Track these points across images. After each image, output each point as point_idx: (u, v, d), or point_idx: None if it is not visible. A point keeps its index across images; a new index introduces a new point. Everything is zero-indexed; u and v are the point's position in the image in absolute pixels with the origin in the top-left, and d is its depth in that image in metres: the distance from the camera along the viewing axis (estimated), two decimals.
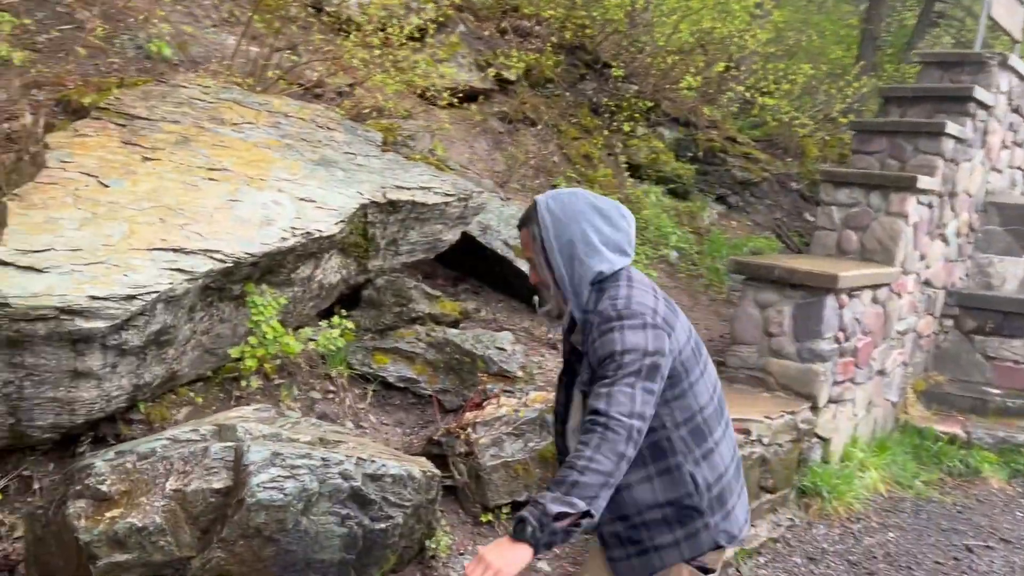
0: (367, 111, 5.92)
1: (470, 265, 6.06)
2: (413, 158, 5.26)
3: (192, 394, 3.84)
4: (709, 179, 9.80)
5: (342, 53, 6.32)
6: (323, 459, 2.99)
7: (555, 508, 1.82)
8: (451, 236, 4.94)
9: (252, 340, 3.81)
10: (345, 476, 3.02)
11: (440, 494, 3.50)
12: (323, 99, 6.26)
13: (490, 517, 3.86)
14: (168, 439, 2.94)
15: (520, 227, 2.38)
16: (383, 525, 3.13)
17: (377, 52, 6.40)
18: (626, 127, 8.73)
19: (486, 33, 9.11)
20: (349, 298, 4.70)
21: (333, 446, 3.17)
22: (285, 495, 2.87)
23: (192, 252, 3.46)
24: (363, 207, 4.25)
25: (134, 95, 4.14)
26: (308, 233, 3.88)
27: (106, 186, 3.51)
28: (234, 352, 3.79)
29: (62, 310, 3.05)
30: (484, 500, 3.86)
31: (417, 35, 7.22)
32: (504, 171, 7.78)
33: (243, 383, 3.88)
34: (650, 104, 9.02)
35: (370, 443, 3.39)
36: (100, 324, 3.13)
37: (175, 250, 3.42)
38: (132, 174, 3.61)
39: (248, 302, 3.80)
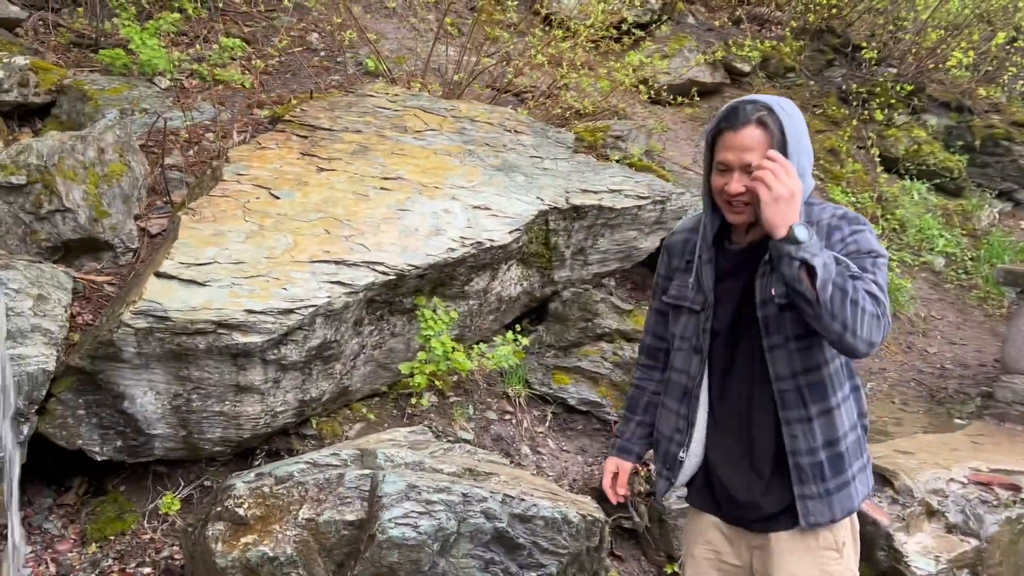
0: (568, 113, 5.58)
1: None
2: (614, 159, 4.85)
3: (365, 410, 3.71)
4: (989, 172, 8.37)
5: (550, 55, 6.05)
6: (464, 495, 2.69)
7: (817, 267, 1.81)
8: (648, 243, 4.47)
9: (421, 356, 3.61)
10: (488, 515, 2.69)
11: (610, 540, 3.07)
12: (527, 103, 6.04)
13: (676, 568, 3.35)
14: (307, 463, 2.79)
15: (742, 124, 1.96)
16: (534, 574, 2.76)
17: (581, 52, 6.06)
18: (878, 115, 7.67)
19: (717, 24, 8.46)
20: (537, 311, 4.39)
21: (483, 479, 2.87)
22: (419, 533, 2.60)
23: (355, 264, 3.32)
24: (543, 214, 3.92)
25: (319, 106, 4.13)
26: (479, 243, 3.62)
27: (277, 198, 3.48)
28: (404, 368, 3.61)
29: (219, 324, 3.02)
30: (669, 548, 3.36)
31: (637, 32, 6.79)
32: None
33: (414, 400, 3.69)
34: (910, 88, 7.86)
35: (527, 477, 3.05)
36: (256, 339, 3.07)
37: (337, 262, 3.30)
38: (304, 185, 3.56)
39: (418, 315, 3.61)
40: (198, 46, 6.19)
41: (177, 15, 5.93)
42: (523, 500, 2.77)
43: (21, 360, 3.10)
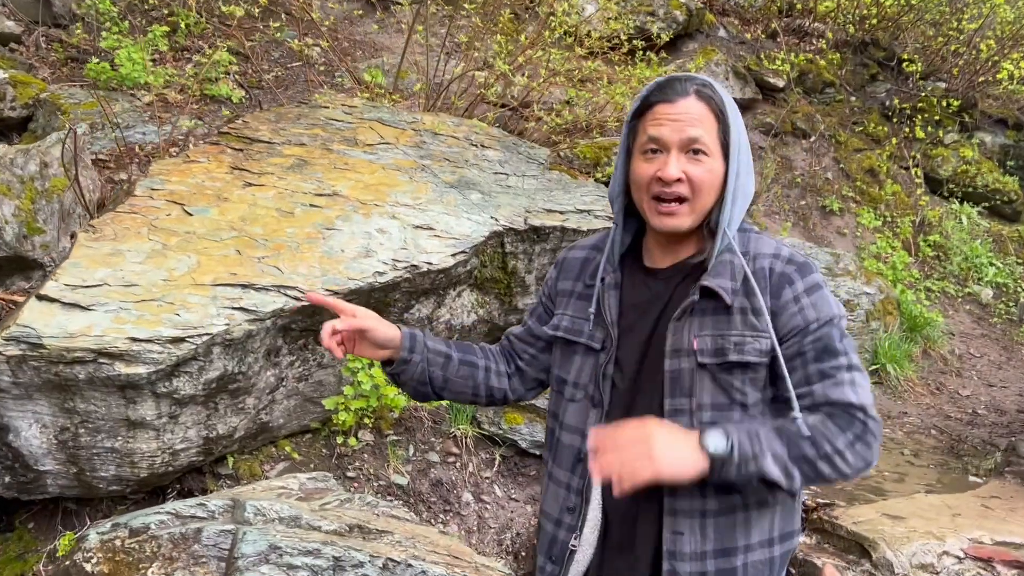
0: (558, 129, 5.20)
1: None
2: (595, 177, 4.45)
3: (290, 448, 3.38)
4: None
5: (555, 69, 5.69)
6: (336, 558, 2.32)
7: (770, 471, 1.44)
8: None
9: (348, 390, 3.27)
10: None
11: None
12: (528, 117, 5.68)
13: None
14: (169, 513, 2.46)
15: (680, 95, 1.54)
16: None
17: (591, 65, 5.68)
18: (919, 133, 7.06)
19: (749, 37, 7.97)
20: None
21: (372, 537, 2.49)
22: None
23: (263, 288, 3.00)
24: (496, 235, 3.54)
25: (265, 118, 3.85)
26: (414, 267, 3.26)
27: (190, 214, 3.19)
28: (328, 404, 3.27)
29: (99, 353, 2.73)
30: None
31: (660, 39, 6.38)
32: (755, 192, 6.62)
33: (340, 439, 3.35)
34: (958, 104, 7.23)
35: (431, 535, 2.65)
36: (141, 369, 2.76)
37: (244, 286, 2.99)
38: (224, 201, 3.27)
39: None
40: (194, 60, 6.05)
41: (166, 28, 5.78)
42: (410, 566, 2.38)
43: None
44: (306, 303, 3.04)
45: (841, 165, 7.21)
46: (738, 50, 7.86)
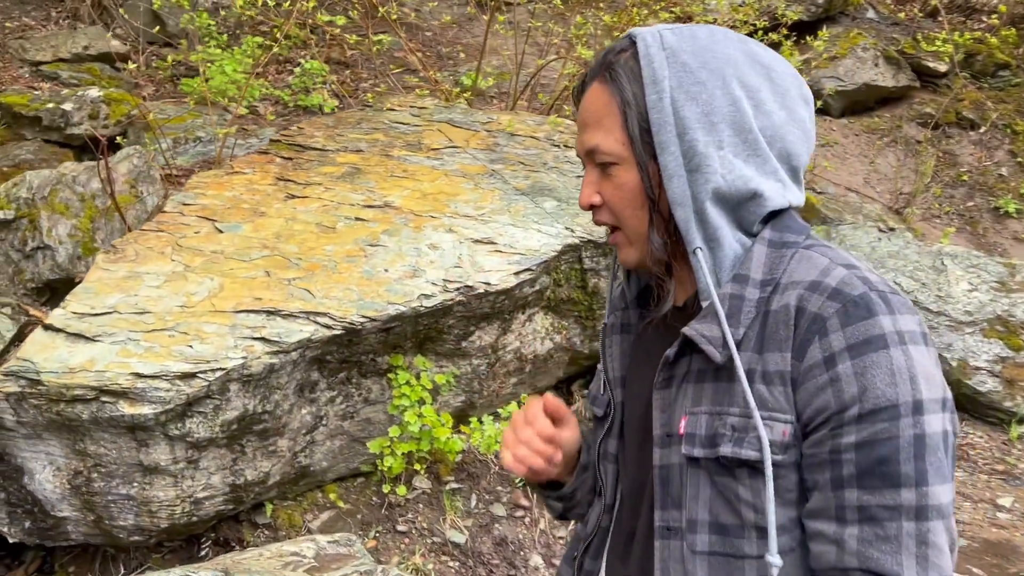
0: None
1: None
2: None
3: (336, 495, 2.98)
4: None
5: None
6: None
7: None
8: None
9: (393, 431, 2.82)
10: None
11: None
12: None
13: None
14: None
15: (587, 84, 1.08)
16: None
17: None
18: None
19: (903, 16, 7.01)
20: (593, 371, 3.45)
21: None
22: None
23: (290, 315, 2.61)
24: (572, 249, 3.01)
25: (323, 123, 3.49)
26: (468, 287, 2.78)
27: (220, 231, 2.85)
28: (372, 447, 2.84)
29: (101, 390, 2.41)
30: None
31: (787, 29, 5.61)
32: (910, 192, 5.71)
33: (387, 488, 2.90)
34: None
35: None
36: (147, 409, 2.42)
37: (269, 312, 2.61)
38: (260, 216, 2.91)
39: (391, 379, 2.83)
40: (295, 72, 5.86)
41: (259, 39, 5.61)
42: None
43: None
44: (338, 332, 2.62)
45: (1019, 159, 6.15)
46: (890, 32, 6.93)
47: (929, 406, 0.90)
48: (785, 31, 5.17)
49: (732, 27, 4.99)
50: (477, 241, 2.92)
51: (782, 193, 1.02)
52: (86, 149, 5.00)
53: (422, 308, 2.70)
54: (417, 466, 2.88)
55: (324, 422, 2.84)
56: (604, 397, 1.23)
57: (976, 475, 3.59)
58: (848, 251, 1.07)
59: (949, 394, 0.94)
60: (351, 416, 2.91)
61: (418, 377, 2.84)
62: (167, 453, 2.55)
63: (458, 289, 2.77)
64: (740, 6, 5.98)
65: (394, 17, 4.35)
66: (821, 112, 6.40)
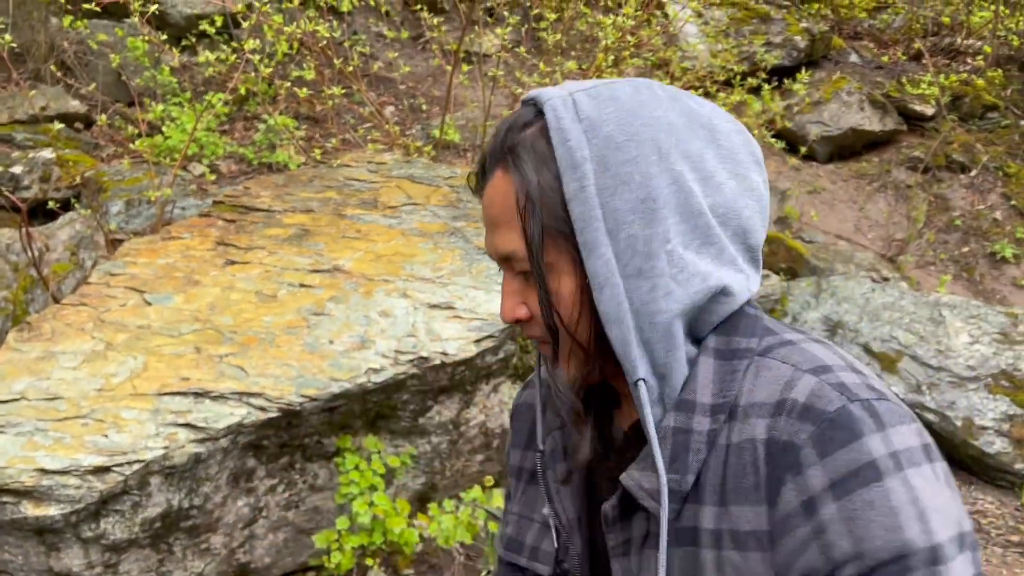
0: None
1: None
2: None
3: None
4: None
5: None
6: None
7: None
8: None
9: (340, 523, 2.52)
10: None
11: None
12: None
13: None
14: None
15: (489, 172, 0.84)
16: None
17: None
18: None
19: (886, 60, 6.87)
20: None
21: None
22: None
23: (220, 397, 2.33)
24: None
25: (272, 182, 3.27)
26: (423, 358, 2.51)
27: (149, 304, 2.58)
28: (318, 541, 2.54)
29: (2, 489, 2.12)
30: None
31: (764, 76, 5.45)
32: (903, 239, 5.50)
33: None
34: None
35: None
36: (54, 511, 2.13)
37: (197, 394, 2.33)
38: (194, 285, 2.65)
39: (337, 464, 2.55)
40: (260, 128, 5.67)
41: (222, 94, 5.42)
42: None
43: None
44: (274, 414, 2.34)
45: (1012, 202, 5.97)
46: (874, 76, 6.80)
47: (948, 550, 0.68)
48: (764, 75, 5.00)
49: (703, 77, 4.81)
50: (434, 306, 2.66)
51: (745, 285, 0.81)
52: (38, 214, 4.77)
53: (370, 384, 2.43)
54: (369, 560, 2.57)
55: (264, 514, 2.55)
56: (547, 550, 0.95)
57: (990, 547, 3.29)
58: (819, 341, 0.81)
59: (967, 524, 0.72)
60: (295, 506, 2.62)
61: (369, 460, 2.56)
62: (81, 558, 2.25)
63: (411, 361, 2.50)
64: (719, 52, 5.84)
65: (349, 69, 4.15)
66: (807, 158, 6.23)
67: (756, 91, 5.25)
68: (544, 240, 0.78)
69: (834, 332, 3.98)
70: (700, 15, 6.44)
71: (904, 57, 6.91)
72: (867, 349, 3.90)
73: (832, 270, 4.66)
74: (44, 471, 2.13)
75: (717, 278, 0.78)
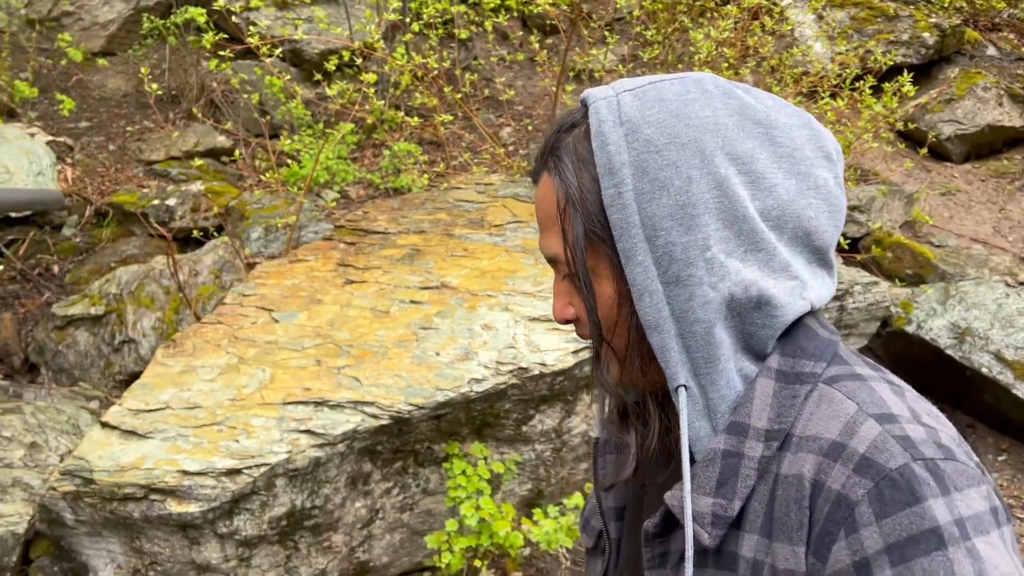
0: None
1: (940, 388, 3.91)
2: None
3: None
4: None
5: None
6: None
7: None
8: None
9: (450, 525, 2.68)
10: None
11: None
12: None
13: None
14: None
15: (539, 173, 0.87)
16: None
17: (822, 106, 4.73)
18: None
19: None
20: None
21: None
22: None
23: (338, 405, 2.54)
24: None
25: (388, 206, 3.49)
26: (522, 369, 2.64)
27: (276, 321, 2.84)
28: (429, 542, 2.70)
29: (150, 488, 2.40)
30: None
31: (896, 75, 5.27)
32: None
33: None
34: None
35: None
36: (194, 508, 2.39)
37: (318, 403, 2.55)
38: (315, 303, 2.89)
39: (446, 469, 2.71)
40: (386, 155, 5.99)
41: (352, 125, 5.77)
42: None
43: None
44: (385, 421, 2.52)
45: None
46: (1014, 69, 6.42)
47: None
48: (905, 76, 4.80)
49: (818, 80, 4.71)
50: (534, 319, 2.79)
51: (799, 294, 0.78)
52: (189, 242, 5.24)
53: (473, 393, 2.58)
54: (478, 562, 2.71)
55: (381, 515, 2.74)
56: (595, 526, 1.03)
57: None
58: (891, 382, 0.78)
59: None
60: (410, 508, 2.79)
61: (475, 466, 2.70)
62: (218, 551, 2.50)
63: (511, 371, 2.63)
64: (839, 54, 5.69)
65: (459, 96, 4.35)
66: (941, 158, 5.97)
67: (878, 92, 5.09)
68: (585, 244, 0.79)
69: (962, 340, 3.82)
70: (820, 16, 6.30)
71: None
72: (999, 357, 3.72)
73: (963, 275, 4.46)
74: (185, 472, 2.39)
75: (758, 288, 0.76)
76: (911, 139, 5.66)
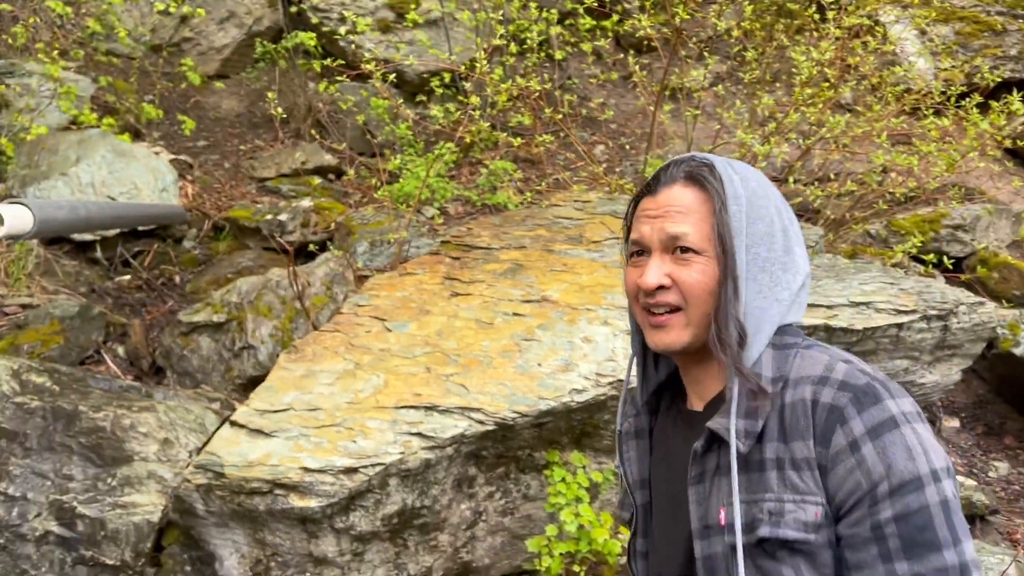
0: (873, 201, 4.32)
1: None
2: (931, 260, 3.56)
3: None
4: None
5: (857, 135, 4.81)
6: None
7: None
8: (933, 376, 3.08)
9: (550, 530, 2.79)
10: None
11: None
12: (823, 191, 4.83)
13: None
14: None
15: (665, 184, 1.25)
16: None
17: (926, 124, 4.66)
18: None
19: None
20: None
21: None
22: None
23: (446, 411, 2.69)
24: None
25: (490, 223, 3.64)
26: (621, 381, 2.73)
27: (389, 330, 3.01)
28: (530, 545, 2.82)
29: (275, 483, 2.60)
30: None
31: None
32: None
33: None
34: None
35: None
36: (314, 503, 2.57)
37: (428, 408, 2.70)
38: (425, 314, 3.05)
39: (546, 476, 2.82)
40: (483, 173, 6.18)
41: (450, 144, 5.97)
42: None
43: (133, 508, 3.00)
44: (490, 427, 2.65)
45: None
46: None
47: (942, 474, 1.06)
48: (1013, 96, 4.69)
49: (921, 98, 4.66)
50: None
51: (802, 306, 1.23)
52: (300, 255, 5.52)
53: (573, 403, 2.69)
54: (576, 567, 2.81)
55: (484, 518, 2.87)
56: (628, 501, 1.38)
57: None
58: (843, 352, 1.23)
59: (949, 461, 1.09)
60: (511, 512, 2.92)
61: (575, 474, 2.80)
62: (334, 545, 2.68)
63: (610, 383, 2.73)
64: (944, 70, 5.60)
65: (559, 116, 4.48)
66: None
67: (985, 108, 4.98)
68: (719, 239, 1.17)
69: None
70: (924, 32, 6.20)
71: None
72: None
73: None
74: (307, 469, 2.57)
75: (791, 296, 1.21)
76: (1020, 157, 5.51)
